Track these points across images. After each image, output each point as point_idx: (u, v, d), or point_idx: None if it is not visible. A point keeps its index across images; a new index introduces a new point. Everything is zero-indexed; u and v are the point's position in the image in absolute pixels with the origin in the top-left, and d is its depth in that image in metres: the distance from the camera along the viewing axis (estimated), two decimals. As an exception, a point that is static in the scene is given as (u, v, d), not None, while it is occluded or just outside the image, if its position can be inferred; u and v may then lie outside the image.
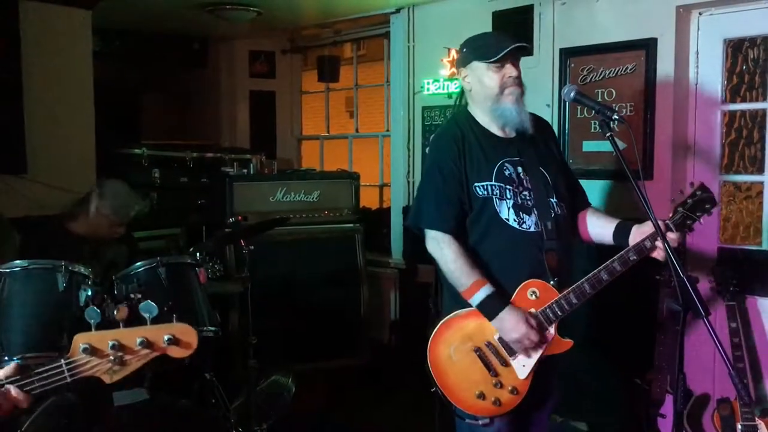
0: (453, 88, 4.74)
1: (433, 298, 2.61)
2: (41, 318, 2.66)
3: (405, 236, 5.22)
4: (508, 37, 2.50)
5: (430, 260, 5.03)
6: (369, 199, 5.91)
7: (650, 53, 3.83)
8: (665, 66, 3.80)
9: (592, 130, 3.97)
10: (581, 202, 2.68)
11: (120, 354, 1.59)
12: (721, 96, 3.81)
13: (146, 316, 1.64)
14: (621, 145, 2.26)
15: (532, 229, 2.43)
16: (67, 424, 2.80)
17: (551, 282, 2.40)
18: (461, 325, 2.42)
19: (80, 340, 1.59)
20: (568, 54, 4.15)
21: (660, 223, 2.35)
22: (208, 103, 6.52)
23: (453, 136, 2.48)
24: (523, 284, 2.40)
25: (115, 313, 1.63)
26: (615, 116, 2.24)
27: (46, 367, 1.60)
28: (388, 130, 5.60)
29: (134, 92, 6.49)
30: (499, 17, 4.45)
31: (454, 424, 2.57)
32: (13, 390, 1.59)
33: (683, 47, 3.82)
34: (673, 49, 3.78)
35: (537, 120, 2.61)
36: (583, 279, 2.37)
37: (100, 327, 1.60)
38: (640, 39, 3.86)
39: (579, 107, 4.00)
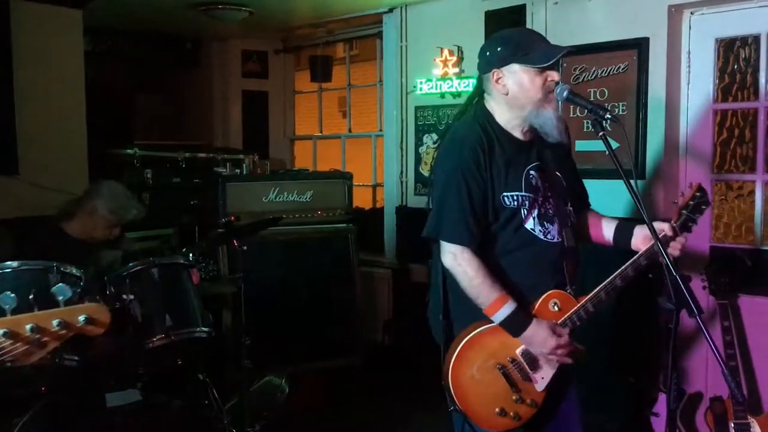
0: (446, 87, 4.75)
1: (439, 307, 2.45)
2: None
3: (398, 236, 5.22)
4: (543, 37, 2.40)
5: (424, 260, 5.03)
6: (362, 199, 5.91)
7: (642, 53, 3.84)
8: (657, 65, 3.81)
9: (585, 130, 3.98)
10: (584, 203, 2.63)
11: (38, 336, 1.63)
12: (712, 95, 3.82)
13: (60, 298, 1.68)
14: (613, 144, 2.25)
15: (555, 240, 2.37)
16: (57, 427, 2.79)
17: (569, 291, 2.37)
18: (484, 342, 2.34)
19: None
20: (560, 53, 4.16)
21: (666, 226, 2.36)
22: (200, 103, 6.50)
23: (477, 139, 2.31)
24: (545, 296, 2.34)
25: (30, 296, 1.66)
26: (608, 115, 2.20)
27: None
28: (381, 130, 5.60)
29: (126, 92, 6.47)
30: (491, 17, 4.46)
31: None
32: None
33: (675, 47, 3.83)
34: (665, 49, 3.79)
35: None
36: (599, 287, 2.34)
37: (15, 311, 1.63)
38: (632, 38, 3.88)
39: (572, 107, 4.01)
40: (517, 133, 2.40)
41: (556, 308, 2.35)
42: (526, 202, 2.34)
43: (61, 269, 2.70)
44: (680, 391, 3.65)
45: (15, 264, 2.67)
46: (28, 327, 1.60)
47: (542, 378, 2.36)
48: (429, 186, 2.50)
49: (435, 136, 4.95)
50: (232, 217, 4.57)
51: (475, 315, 2.33)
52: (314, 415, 4.25)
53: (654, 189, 3.87)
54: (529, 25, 4.27)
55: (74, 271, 2.76)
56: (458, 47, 4.70)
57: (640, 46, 3.85)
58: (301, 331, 4.61)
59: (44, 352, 1.66)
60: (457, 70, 4.70)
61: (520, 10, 4.33)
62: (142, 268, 3.10)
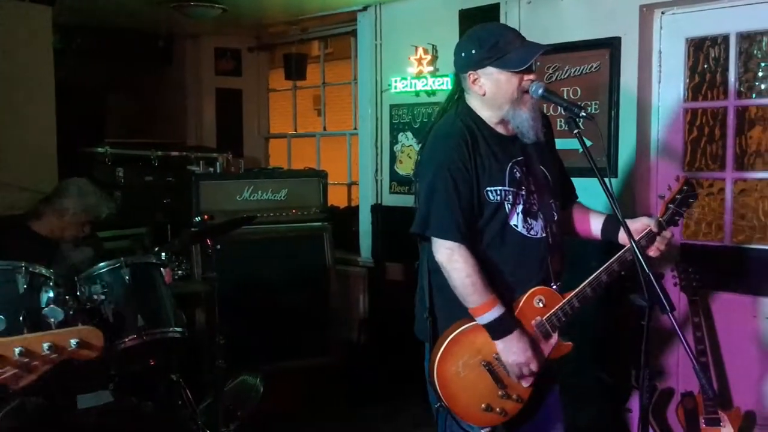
0: (420, 86, 4.75)
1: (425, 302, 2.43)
2: None
3: (374, 235, 5.22)
4: (519, 36, 2.37)
5: (399, 258, 5.04)
6: (337, 198, 5.90)
7: (614, 52, 3.88)
8: (629, 64, 3.85)
9: (559, 128, 4.00)
10: (571, 197, 2.63)
11: (27, 360, 1.56)
12: (683, 94, 3.87)
13: (51, 320, 1.62)
14: (587, 142, 2.26)
15: (539, 235, 2.37)
16: (27, 429, 2.74)
17: (554, 287, 2.37)
18: (469, 339, 2.34)
19: None
20: (534, 52, 4.18)
21: (652, 221, 2.37)
22: (173, 101, 6.44)
23: (461, 135, 2.31)
24: (530, 292, 2.35)
25: (21, 318, 1.60)
26: (582, 113, 2.21)
27: None
28: (355, 129, 5.59)
29: (97, 90, 6.38)
30: (465, 16, 4.47)
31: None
32: None
33: (646, 46, 3.88)
34: (637, 48, 3.83)
35: None
36: (585, 283, 2.34)
37: (3, 334, 1.58)
38: (605, 38, 3.91)
39: (545, 104, 4.03)
40: (500, 129, 2.40)
41: (540, 304, 2.35)
42: (510, 197, 2.33)
43: (30, 269, 2.65)
44: (652, 387, 3.69)
45: (-19, 264, 2.62)
46: (16, 350, 1.53)
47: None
48: (414, 184, 2.49)
49: (410, 135, 4.95)
50: (206, 216, 4.53)
51: (461, 313, 2.34)
52: (289, 415, 4.23)
53: (627, 187, 3.91)
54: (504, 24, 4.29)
55: (43, 271, 2.71)
56: (433, 46, 4.70)
57: (612, 46, 3.89)
58: (276, 331, 4.59)
59: (33, 377, 1.59)
60: (431, 68, 4.71)
61: (494, 9, 4.35)
62: (114, 268, 3.06)
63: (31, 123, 4.47)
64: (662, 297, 2.04)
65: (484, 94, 2.35)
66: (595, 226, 2.54)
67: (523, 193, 2.36)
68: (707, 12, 3.73)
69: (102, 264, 3.08)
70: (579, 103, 3.91)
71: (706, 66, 3.82)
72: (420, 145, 2.52)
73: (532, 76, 2.33)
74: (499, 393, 2.35)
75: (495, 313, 2.27)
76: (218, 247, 3.69)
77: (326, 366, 4.79)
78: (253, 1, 5.07)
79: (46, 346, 1.56)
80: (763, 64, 3.68)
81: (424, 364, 2.44)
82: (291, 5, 5.27)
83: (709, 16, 3.73)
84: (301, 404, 4.44)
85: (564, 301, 2.35)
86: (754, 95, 3.72)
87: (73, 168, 4.53)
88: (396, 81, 4.89)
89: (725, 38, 3.73)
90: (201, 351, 4.24)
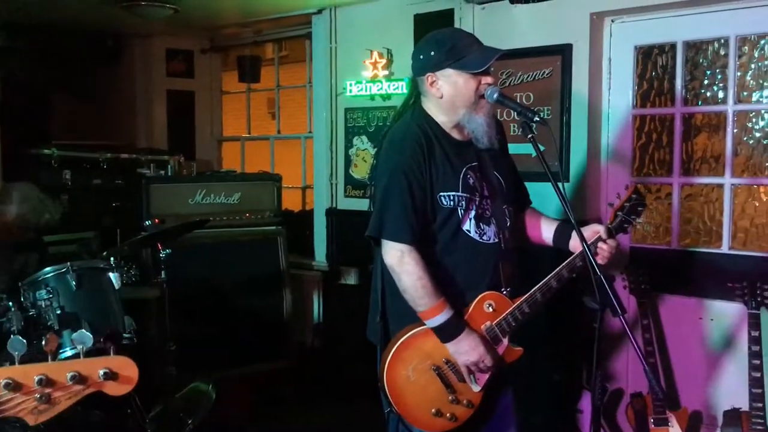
0: (375, 90, 4.75)
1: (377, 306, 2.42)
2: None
3: (328, 239, 5.19)
4: (476, 39, 2.40)
5: (354, 262, 5.02)
6: (291, 202, 5.86)
7: (566, 58, 3.94)
8: (580, 71, 3.92)
9: (513, 133, 4.05)
10: (524, 202, 2.65)
11: (48, 391, 1.42)
12: (632, 101, 3.95)
13: (79, 347, 1.48)
14: (540, 147, 2.29)
15: (491, 241, 2.38)
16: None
17: (504, 292, 2.38)
18: (419, 343, 2.34)
19: (1, 375, 1.40)
20: (487, 58, 4.22)
21: (602, 228, 2.40)
22: (123, 102, 6.30)
23: (416, 139, 2.32)
24: (479, 297, 2.35)
25: (43, 343, 1.47)
26: (536, 118, 2.24)
27: None
28: (310, 132, 5.56)
29: (43, 90, 6.21)
30: (420, 20, 4.49)
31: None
32: None
33: (597, 53, 3.95)
34: (588, 55, 3.90)
35: None
36: (535, 288, 2.35)
37: (24, 360, 1.44)
38: (557, 45, 3.97)
39: (500, 109, 4.08)
40: (455, 134, 2.42)
41: (490, 309, 2.36)
42: (463, 202, 2.34)
43: (-29, 275, 2.57)
44: (603, 388, 3.75)
45: None
46: (36, 378, 1.39)
47: (478, 380, 2.37)
48: (370, 188, 2.49)
49: (365, 138, 4.94)
50: (157, 220, 4.44)
51: (413, 317, 2.33)
52: (243, 421, 4.18)
53: (578, 191, 3.97)
54: (457, 29, 4.32)
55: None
56: (388, 50, 4.71)
57: (563, 52, 3.95)
58: (229, 336, 4.52)
59: (55, 411, 1.44)
60: (386, 72, 4.71)
61: (449, 14, 4.38)
62: (60, 273, 2.98)
63: (-28, 123, 4.33)
64: (614, 300, 2.07)
65: (441, 97, 2.36)
66: (546, 233, 2.57)
67: (477, 198, 2.37)
68: (655, 21, 3.82)
69: (48, 268, 3.01)
70: (532, 108, 3.98)
71: (654, 73, 3.91)
72: (375, 149, 2.52)
73: (489, 79, 2.35)
74: (449, 398, 2.35)
75: (444, 316, 2.28)
76: (168, 251, 3.62)
77: (280, 371, 4.75)
78: (206, 3, 4.99)
79: (69, 375, 1.41)
80: (708, 72, 3.79)
81: (376, 369, 2.44)
82: (245, 7, 5.22)
83: (657, 25, 3.82)
84: (254, 410, 4.39)
85: (514, 306, 2.36)
86: (699, 102, 3.83)
87: (18, 170, 4.41)
88: (351, 84, 4.88)
89: (672, 46, 3.82)
90: (151, 357, 4.15)
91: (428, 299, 2.27)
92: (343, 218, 5.10)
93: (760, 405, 3.19)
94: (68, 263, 3.03)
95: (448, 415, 2.35)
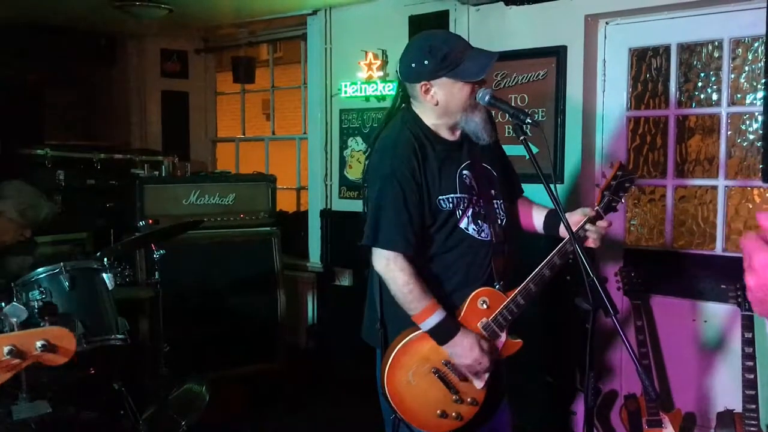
0: (370, 91, 4.75)
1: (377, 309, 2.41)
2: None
3: (323, 240, 5.19)
4: (467, 44, 2.39)
5: (348, 264, 5.01)
6: (286, 203, 5.85)
7: (560, 60, 3.95)
8: (575, 73, 3.93)
9: (506, 135, 4.06)
10: (516, 191, 2.65)
11: None
12: (626, 103, 3.96)
13: (13, 320, 1.46)
14: (534, 149, 2.29)
15: (487, 238, 2.38)
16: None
17: (497, 286, 2.37)
18: (417, 348, 2.34)
19: None
20: (482, 59, 4.23)
21: (589, 210, 2.38)
22: (117, 102, 6.29)
23: (409, 144, 2.31)
24: (472, 295, 2.34)
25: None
26: (528, 120, 2.23)
27: None
28: (305, 133, 5.55)
29: (37, 90, 6.18)
30: (415, 21, 4.49)
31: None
32: None
33: (591, 55, 3.95)
34: (582, 57, 3.91)
35: None
36: (527, 279, 2.34)
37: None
38: (551, 46, 3.97)
39: (493, 111, 4.08)
40: (446, 134, 2.41)
41: (484, 306, 2.35)
42: (462, 203, 2.35)
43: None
44: (596, 389, 3.75)
45: None
46: None
47: (481, 376, 2.36)
48: (363, 193, 2.47)
49: (360, 140, 4.94)
50: (150, 220, 4.43)
51: (409, 322, 2.33)
52: (236, 423, 4.17)
53: (573, 193, 3.98)
54: (452, 31, 4.32)
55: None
56: (383, 51, 4.71)
57: (558, 54, 3.95)
58: (223, 337, 4.52)
59: None
60: (381, 73, 4.71)
61: (444, 15, 4.38)
62: (53, 273, 2.97)
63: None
64: (606, 301, 2.08)
65: (436, 104, 2.35)
66: (538, 220, 2.57)
67: (474, 197, 2.38)
68: (649, 23, 3.83)
69: (41, 269, 2.99)
70: (526, 110, 3.99)
71: (648, 75, 3.92)
72: (367, 152, 2.50)
73: (483, 84, 2.35)
74: (453, 398, 2.35)
75: (436, 318, 2.28)
76: (162, 252, 3.62)
77: (274, 372, 4.74)
78: (200, 3, 4.99)
79: (6, 349, 1.38)
80: (702, 75, 3.80)
81: (376, 372, 2.44)
82: (239, 8, 5.21)
83: (651, 27, 3.83)
84: (247, 411, 4.38)
85: (508, 299, 2.36)
86: (693, 104, 3.84)
87: (11, 170, 4.38)
88: (346, 86, 4.88)
89: (666, 49, 3.83)
90: (144, 358, 4.15)
91: (417, 303, 2.27)
92: (337, 219, 5.09)
93: (754, 406, 3.19)
94: (61, 263, 3.01)
95: (453, 414, 2.36)
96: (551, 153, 3.90)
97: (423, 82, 2.33)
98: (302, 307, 5.35)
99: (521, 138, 2.26)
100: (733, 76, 3.67)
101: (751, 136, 3.68)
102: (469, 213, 2.36)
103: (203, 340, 4.39)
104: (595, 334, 2.22)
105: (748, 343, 3.21)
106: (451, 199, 2.34)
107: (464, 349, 2.29)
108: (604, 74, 3.98)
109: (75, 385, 3.19)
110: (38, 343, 1.41)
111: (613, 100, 3.97)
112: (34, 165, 4.86)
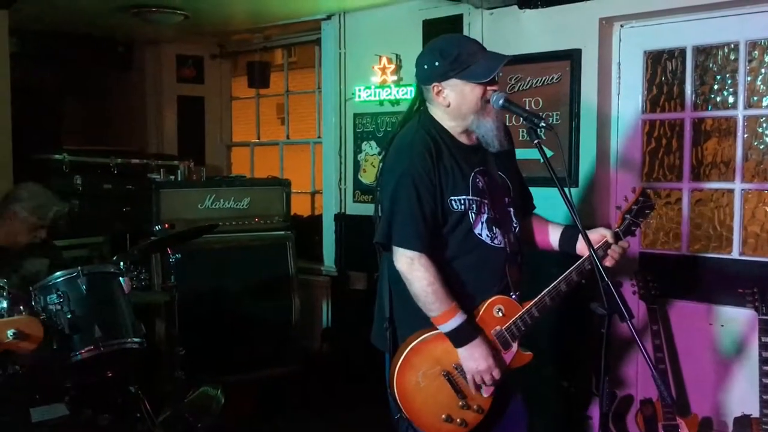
0: (384, 95, 4.76)
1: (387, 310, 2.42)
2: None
3: (337, 244, 5.20)
4: (481, 46, 2.40)
5: (363, 267, 5.02)
6: (300, 207, 5.87)
7: (575, 64, 3.93)
8: (589, 76, 3.91)
9: (520, 138, 4.05)
10: (529, 207, 2.65)
11: None
12: (641, 106, 3.94)
13: None
14: (548, 152, 2.29)
15: (501, 245, 2.38)
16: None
17: (513, 296, 2.37)
18: (429, 349, 2.34)
19: None
20: (496, 63, 4.22)
21: (609, 232, 2.40)
22: (133, 108, 6.34)
23: (425, 145, 2.32)
24: (489, 301, 2.35)
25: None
26: (542, 124, 2.24)
27: None
28: (319, 137, 5.57)
29: (55, 95, 6.25)
30: (429, 25, 4.50)
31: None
32: None
33: (606, 58, 3.94)
34: (597, 60, 3.89)
35: None
36: (544, 292, 2.35)
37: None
38: (565, 50, 3.96)
39: (507, 115, 4.07)
40: (463, 138, 2.42)
41: (500, 314, 2.36)
42: (474, 206, 2.35)
43: (-19, 279, 2.59)
44: (612, 394, 3.73)
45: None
46: None
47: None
48: (377, 193, 2.48)
49: (374, 144, 4.95)
50: (166, 225, 4.46)
51: (420, 322, 2.33)
52: (251, 426, 4.18)
53: (587, 196, 3.96)
54: (465, 34, 4.32)
55: (-4, 280, 2.65)
56: (396, 55, 4.72)
57: (572, 57, 3.94)
58: (238, 341, 4.54)
59: None
60: (395, 77, 4.72)
61: (457, 19, 4.38)
62: (70, 277, 3.00)
63: (-15, 129, 4.36)
64: (621, 305, 2.07)
65: (448, 105, 2.36)
66: (554, 237, 2.57)
67: (487, 201, 2.38)
68: (665, 26, 3.81)
69: (58, 273, 3.02)
70: (540, 113, 3.98)
71: (663, 78, 3.90)
72: (382, 153, 2.52)
73: (495, 87, 2.35)
74: (459, 403, 2.35)
75: (457, 320, 2.28)
76: (178, 256, 3.64)
77: (288, 376, 4.75)
78: (216, 9, 5.02)
79: None
80: (718, 77, 3.77)
81: (385, 374, 2.44)
82: (254, 13, 5.24)
83: (666, 30, 3.81)
84: (262, 415, 4.39)
85: (523, 310, 2.36)
86: (709, 107, 3.81)
87: (29, 175, 4.42)
88: (360, 90, 4.89)
89: (682, 51, 3.81)
90: (160, 362, 4.17)
91: (440, 304, 2.27)
92: (351, 223, 5.10)
93: (771, 412, 3.16)
94: (79, 268, 3.04)
95: (458, 420, 2.35)
96: (565, 156, 3.89)
97: (435, 84, 2.35)
98: (317, 311, 5.36)
99: (535, 141, 2.26)
100: (749, 78, 3.64)
101: (768, 139, 3.66)
102: (483, 218, 2.36)
103: (218, 343, 4.40)
104: (611, 339, 2.21)
105: (766, 347, 3.18)
106: (462, 201, 2.34)
107: (480, 354, 2.29)
108: (619, 77, 3.96)
109: (92, 388, 3.21)
110: (9, 332, 1.50)
111: (628, 103, 3.95)
112: (52, 170, 4.91)
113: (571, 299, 2.42)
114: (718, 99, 3.78)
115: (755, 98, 3.67)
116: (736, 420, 3.35)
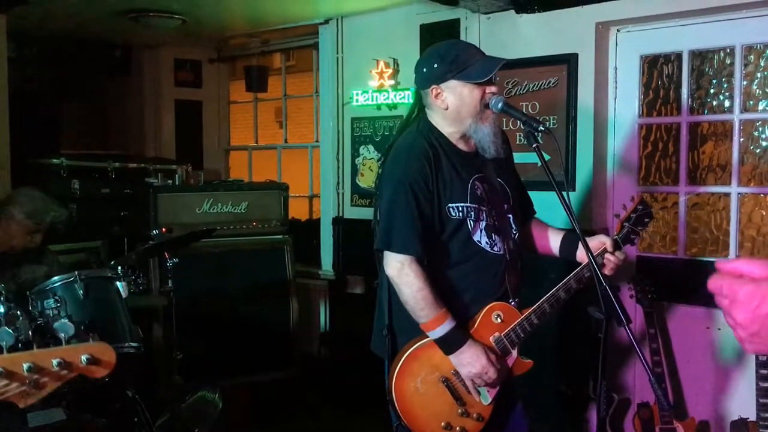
0: (382, 99, 4.77)
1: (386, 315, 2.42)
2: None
3: (335, 248, 5.20)
4: (478, 50, 2.42)
5: (360, 271, 5.02)
6: (298, 210, 5.87)
7: (571, 68, 3.95)
8: (586, 80, 3.92)
9: (518, 142, 4.05)
10: (528, 212, 2.65)
11: (36, 377, 1.52)
12: (638, 110, 3.95)
13: (62, 336, 1.59)
14: (545, 156, 2.29)
15: (501, 252, 2.38)
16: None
17: (512, 303, 2.37)
18: (428, 355, 2.33)
19: None
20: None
21: (608, 240, 2.40)
22: (131, 112, 6.34)
23: (423, 151, 2.32)
24: (487, 308, 2.34)
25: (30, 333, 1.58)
26: (540, 127, 2.24)
27: None
28: (317, 141, 5.58)
29: (53, 100, 6.25)
30: (426, 30, 4.51)
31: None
32: None
33: (602, 62, 3.95)
34: (593, 64, 3.90)
35: None
36: (542, 299, 2.35)
37: (12, 349, 1.53)
38: (562, 54, 3.98)
39: (506, 119, 4.09)
40: (462, 145, 2.42)
41: (499, 320, 2.35)
42: (472, 213, 2.35)
43: (-22, 284, 2.59)
44: (609, 397, 3.74)
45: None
46: (25, 366, 1.49)
47: (488, 392, 2.35)
48: (375, 199, 2.48)
49: (371, 148, 4.96)
50: (164, 229, 4.46)
51: (419, 329, 2.32)
52: (249, 430, 4.18)
53: (584, 200, 3.97)
54: (462, 39, 4.33)
55: (-8, 285, 2.65)
56: (394, 59, 4.73)
57: (569, 62, 3.95)
58: (236, 345, 4.53)
59: (42, 394, 1.54)
60: (393, 82, 4.73)
61: (455, 23, 4.40)
62: (67, 282, 2.99)
63: (-18, 133, 4.36)
64: (619, 310, 2.07)
65: (446, 108, 2.37)
66: (554, 243, 2.57)
67: (485, 209, 2.38)
68: (661, 30, 3.82)
69: (55, 278, 3.02)
70: (537, 117, 3.99)
71: (660, 82, 3.91)
72: (381, 160, 2.52)
73: (493, 89, 2.36)
74: (459, 411, 2.33)
75: (446, 327, 2.27)
76: (175, 260, 3.64)
77: (287, 379, 4.75)
78: (214, 13, 5.03)
79: (55, 362, 1.52)
80: (714, 81, 3.78)
81: (385, 380, 2.43)
82: (252, 17, 5.25)
83: (662, 34, 3.82)
84: (260, 419, 4.39)
85: (522, 317, 2.35)
86: (706, 111, 3.82)
87: (27, 179, 4.42)
88: (357, 94, 4.90)
89: (678, 56, 3.82)
90: (158, 366, 4.17)
91: (428, 310, 2.26)
92: (349, 227, 5.11)
93: (768, 415, 3.17)
94: (76, 272, 3.03)
95: (458, 428, 2.34)
96: (563, 160, 3.90)
97: (433, 86, 2.36)
98: (314, 315, 5.36)
99: (534, 145, 2.26)
100: (745, 82, 3.66)
101: (764, 143, 3.67)
102: (482, 225, 2.36)
103: (216, 348, 4.40)
104: (608, 343, 2.22)
105: (763, 351, 3.18)
106: (460, 208, 2.34)
107: (471, 357, 2.27)
108: (616, 81, 3.98)
109: (89, 393, 3.21)
110: (83, 357, 1.55)
111: (625, 107, 3.96)
112: (50, 174, 4.91)
113: (570, 304, 2.42)
114: (715, 103, 3.80)
115: (751, 102, 3.68)
116: (734, 423, 3.35)
